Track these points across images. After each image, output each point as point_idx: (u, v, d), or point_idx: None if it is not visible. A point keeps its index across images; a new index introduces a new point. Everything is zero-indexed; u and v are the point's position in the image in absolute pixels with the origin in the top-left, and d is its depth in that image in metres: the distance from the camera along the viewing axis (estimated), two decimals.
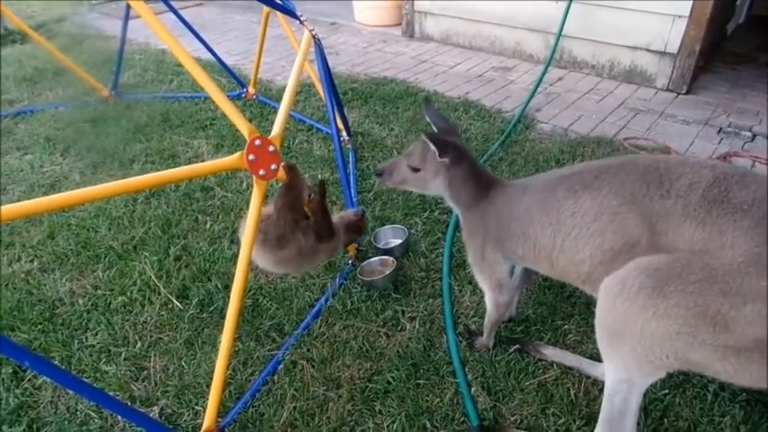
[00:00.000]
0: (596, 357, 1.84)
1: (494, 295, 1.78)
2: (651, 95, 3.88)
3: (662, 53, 3.86)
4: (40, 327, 2.06)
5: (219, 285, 2.19)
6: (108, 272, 2.30)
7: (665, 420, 1.64)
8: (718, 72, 4.25)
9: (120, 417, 1.71)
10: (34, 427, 1.71)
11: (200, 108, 3.76)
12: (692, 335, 1.20)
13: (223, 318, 1.77)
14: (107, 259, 2.38)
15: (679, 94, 3.88)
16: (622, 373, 1.36)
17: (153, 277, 2.25)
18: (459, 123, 3.43)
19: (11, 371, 1.89)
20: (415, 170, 1.79)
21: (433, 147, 1.68)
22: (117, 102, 3.90)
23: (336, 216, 2.02)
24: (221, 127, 3.49)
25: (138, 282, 2.23)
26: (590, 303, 2.05)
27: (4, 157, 3.28)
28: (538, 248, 1.56)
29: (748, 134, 3.28)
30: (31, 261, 2.40)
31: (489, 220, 1.71)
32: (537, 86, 3.73)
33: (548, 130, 3.39)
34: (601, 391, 1.74)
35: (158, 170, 2.87)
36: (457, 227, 2.48)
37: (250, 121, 3.56)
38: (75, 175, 3.03)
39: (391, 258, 2.26)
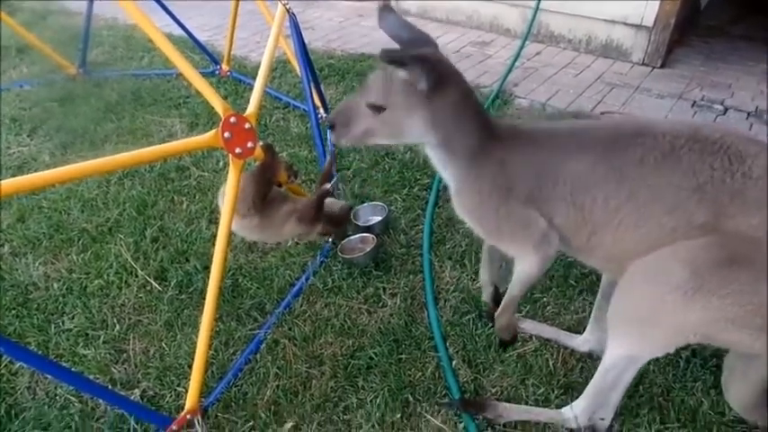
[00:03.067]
0: (574, 329, 1.88)
1: (539, 253, 1.38)
2: (627, 69, 3.91)
3: (638, 27, 3.88)
4: (14, 312, 2.01)
5: (198, 266, 2.16)
6: (83, 255, 2.26)
7: (640, 387, 1.69)
8: (693, 45, 4.29)
9: (100, 400, 1.69)
10: (12, 413, 1.69)
11: (172, 86, 3.67)
12: (737, 325, 1.14)
13: (203, 298, 1.76)
14: (81, 242, 2.33)
15: (654, 67, 3.91)
16: (629, 350, 1.30)
17: (129, 259, 2.21)
18: None
19: None
20: (379, 109, 1.28)
21: (398, 68, 1.20)
22: (85, 80, 3.77)
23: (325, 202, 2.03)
24: (195, 105, 3.41)
25: (115, 264, 2.20)
26: (567, 276, 2.08)
27: None
28: (586, 221, 1.28)
29: (720, 107, 3.33)
30: (2, 245, 2.34)
31: (513, 170, 1.31)
32: (514, 61, 3.72)
33: (525, 105, 3.39)
34: (579, 360, 1.79)
35: (131, 150, 2.81)
36: (437, 203, 2.49)
37: (225, 98, 3.49)
38: (45, 155, 2.94)
39: (371, 236, 2.25)
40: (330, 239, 2.30)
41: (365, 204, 2.46)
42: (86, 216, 2.47)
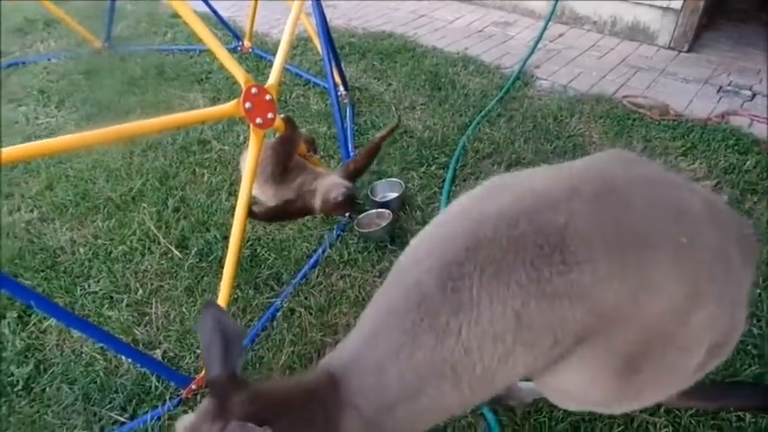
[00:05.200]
0: None
1: None
2: (652, 53, 3.84)
3: (665, 9, 3.80)
4: (42, 274, 2.09)
5: (218, 236, 2.22)
6: (107, 222, 2.33)
7: None
8: (721, 29, 4.19)
9: (123, 358, 1.77)
10: (41, 367, 1.77)
11: (195, 61, 3.71)
12: (669, 392, 1.13)
13: (222, 267, 1.82)
14: (106, 210, 2.40)
15: (680, 51, 3.84)
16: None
17: (152, 227, 2.28)
18: (456, 79, 3.40)
19: (16, 315, 1.93)
20: None
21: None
22: (110, 54, 3.83)
23: (325, 182, 2.00)
24: (217, 80, 3.45)
25: (138, 232, 2.26)
26: None
27: None
28: (441, 408, 1.10)
29: (748, 93, 3.26)
30: (31, 211, 2.42)
31: (365, 428, 1.08)
32: (537, 42, 3.68)
33: (547, 86, 3.36)
34: None
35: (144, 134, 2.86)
36: (454, 182, 2.51)
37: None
38: (71, 126, 3.01)
39: (387, 211, 2.28)
40: (347, 213, 2.34)
41: (382, 180, 2.48)
42: (111, 185, 2.54)
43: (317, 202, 1.97)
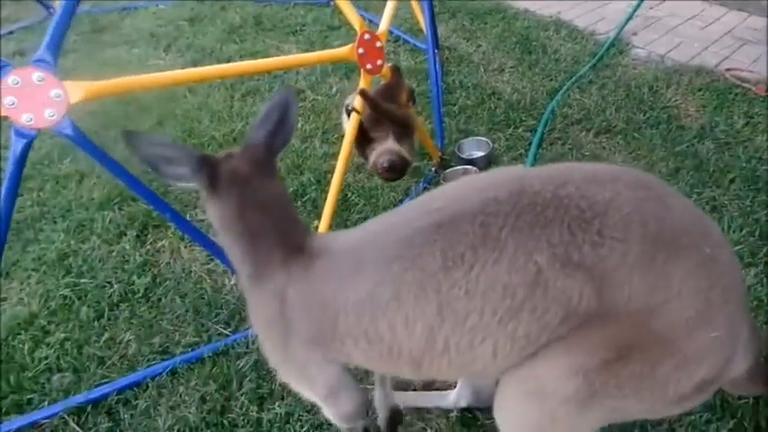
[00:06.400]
0: None
1: (332, 408, 1.21)
2: (762, 25, 3.59)
3: None
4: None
5: (312, 179, 2.36)
6: None
7: None
8: None
9: (227, 280, 1.96)
10: (157, 280, 2.00)
11: (290, 13, 3.84)
12: (642, 404, 1.00)
13: (315, 207, 1.96)
14: (210, 148, 2.60)
15: None
16: None
17: None
18: (547, 43, 3.34)
19: (135, 234, 2.17)
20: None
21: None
22: (212, 2, 4.03)
23: (381, 147, 2.04)
24: (311, 33, 3.57)
25: None
26: None
27: (112, 49, 3.52)
28: (396, 352, 1.01)
29: None
30: None
31: (291, 307, 1.06)
32: (635, 9, 3.53)
33: (643, 55, 3.25)
34: None
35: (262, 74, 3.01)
36: (541, 144, 2.52)
37: (337, 28, 3.62)
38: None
39: (474, 168, 2.34)
40: (434, 168, 2.42)
41: (469, 139, 2.53)
42: (215, 126, 2.73)
43: (370, 165, 2.07)
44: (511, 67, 3.14)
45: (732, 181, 2.23)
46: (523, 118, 2.69)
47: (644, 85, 2.90)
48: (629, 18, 3.50)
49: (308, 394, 1.21)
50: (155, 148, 1.03)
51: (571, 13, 3.78)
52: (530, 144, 2.52)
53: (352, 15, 1.63)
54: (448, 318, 0.94)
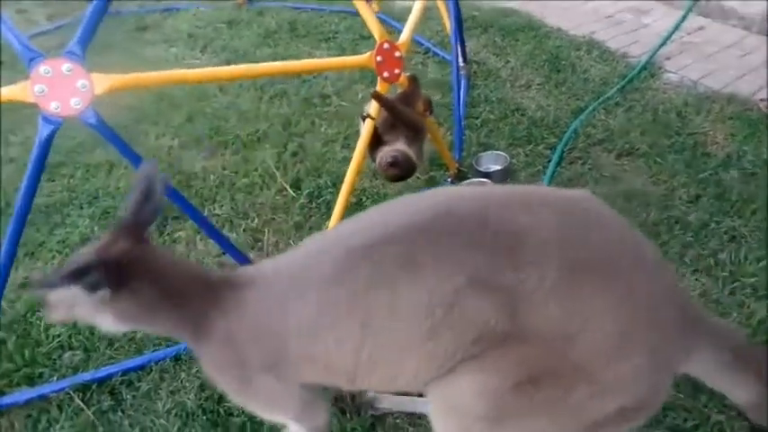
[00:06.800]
0: None
1: (304, 424, 1.24)
2: None
3: None
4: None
5: (329, 182, 2.40)
6: (234, 156, 2.61)
7: None
8: None
9: None
10: None
11: (324, 21, 3.92)
12: (558, 424, 1.00)
13: (329, 209, 2.00)
14: (234, 146, 2.68)
15: None
16: None
17: (272, 166, 2.52)
18: (577, 63, 3.33)
19: (155, 225, 2.24)
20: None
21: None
22: (249, 8, 4.16)
23: (387, 147, 2.05)
24: (343, 41, 3.64)
25: (259, 168, 2.51)
26: (683, 255, 2.04)
27: (152, 48, 3.67)
28: (333, 370, 1.07)
29: None
30: (173, 139, 2.76)
31: (239, 345, 1.08)
32: (672, 33, 3.47)
33: (675, 80, 3.20)
34: None
35: (283, 76, 3.11)
36: (560, 163, 2.51)
37: (368, 37, 3.68)
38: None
39: (489, 181, 2.35)
40: (450, 179, 2.44)
41: (488, 152, 2.54)
42: (240, 125, 2.82)
43: (376, 164, 2.08)
44: (538, 85, 3.14)
45: (754, 212, 2.18)
46: (545, 135, 2.69)
47: (672, 110, 2.86)
48: (664, 42, 3.45)
49: (281, 419, 1.25)
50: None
51: (605, 33, 3.76)
52: (549, 161, 2.52)
53: (373, 24, 1.68)
54: (373, 336, 0.98)
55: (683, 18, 3.49)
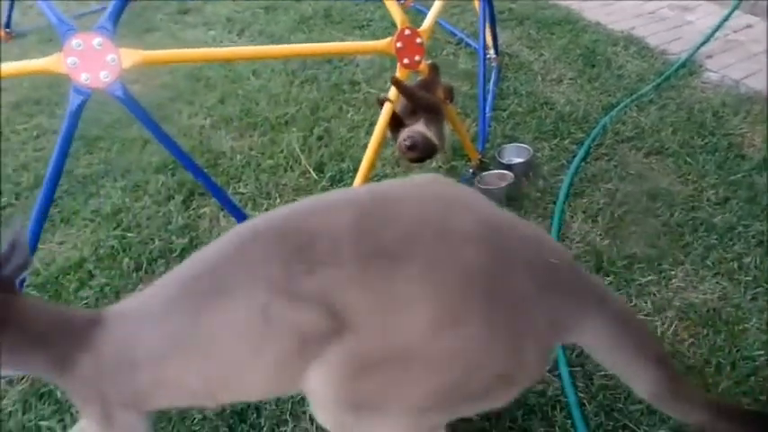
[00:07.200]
0: (696, 310, 1.82)
1: None
2: None
3: None
4: (205, 171, 2.48)
5: (351, 166, 2.44)
6: (262, 138, 2.67)
7: None
8: None
9: None
10: (194, 243, 2.14)
11: (359, 9, 3.95)
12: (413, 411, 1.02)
13: None
14: (262, 128, 2.75)
15: None
16: None
17: (297, 149, 2.57)
18: (613, 59, 3.25)
19: (182, 199, 2.34)
20: None
21: None
22: None
23: (407, 129, 2.05)
24: (376, 29, 3.66)
25: (285, 150, 2.57)
26: (705, 257, 1.99)
27: (192, 30, 3.78)
28: (190, 392, 1.11)
29: None
30: (205, 119, 2.85)
31: (99, 379, 1.12)
32: (715, 30, 3.36)
33: (715, 79, 3.09)
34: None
35: (315, 60, 3.17)
36: (586, 159, 2.47)
37: None
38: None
39: (510, 174, 2.33)
40: (471, 170, 2.44)
41: (512, 145, 2.53)
42: (270, 108, 2.88)
43: (396, 146, 2.08)
44: (570, 79, 3.09)
45: None
46: (572, 130, 2.65)
47: (708, 110, 2.77)
48: (707, 39, 3.35)
49: None
50: None
51: (645, 29, 3.66)
52: (573, 156, 2.48)
53: (395, 10, 1.69)
54: (210, 358, 1.03)
55: (728, 15, 3.38)
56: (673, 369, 1.15)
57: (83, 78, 1.38)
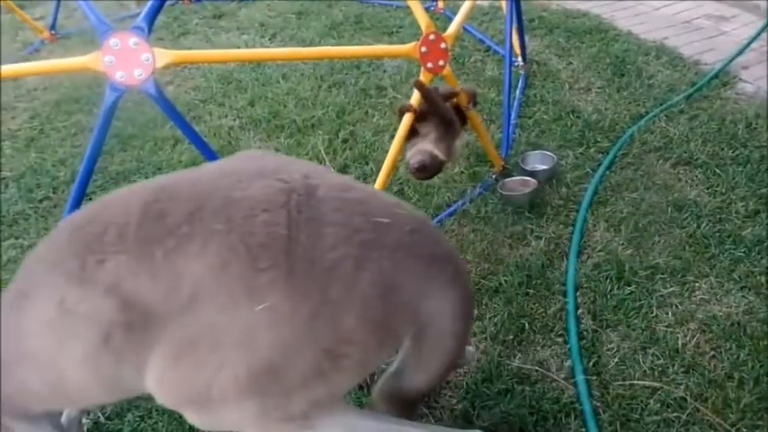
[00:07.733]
0: (720, 320, 1.78)
1: None
2: None
3: None
4: None
5: (374, 169, 2.47)
6: (288, 140, 2.73)
7: None
8: None
9: None
10: None
11: (390, 15, 4.01)
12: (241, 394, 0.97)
13: None
14: (289, 130, 2.81)
15: None
16: None
17: (322, 151, 2.62)
18: (644, 68, 3.21)
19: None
20: None
21: None
22: None
23: (418, 146, 2.04)
24: (405, 36, 3.70)
25: (311, 152, 2.62)
26: (731, 270, 1.95)
27: (226, 34, 3.88)
28: (42, 398, 1.08)
29: None
30: (234, 120, 2.93)
31: None
32: (752, 41, 3.29)
33: (750, 90, 3.03)
34: (714, 348, 1.71)
35: (344, 65, 3.22)
36: (610, 167, 2.45)
37: None
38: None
39: (533, 180, 2.33)
40: (494, 176, 2.44)
41: (536, 152, 2.52)
42: (298, 111, 2.94)
43: (406, 159, 2.08)
44: (598, 88, 3.06)
45: None
46: (598, 139, 2.63)
47: (741, 121, 2.71)
48: (743, 49, 3.28)
49: None
50: None
51: (679, 39, 3.60)
52: (598, 165, 2.46)
53: (421, 15, 1.72)
54: (28, 360, 1.00)
55: (765, 26, 3.30)
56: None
57: (118, 76, 1.44)
